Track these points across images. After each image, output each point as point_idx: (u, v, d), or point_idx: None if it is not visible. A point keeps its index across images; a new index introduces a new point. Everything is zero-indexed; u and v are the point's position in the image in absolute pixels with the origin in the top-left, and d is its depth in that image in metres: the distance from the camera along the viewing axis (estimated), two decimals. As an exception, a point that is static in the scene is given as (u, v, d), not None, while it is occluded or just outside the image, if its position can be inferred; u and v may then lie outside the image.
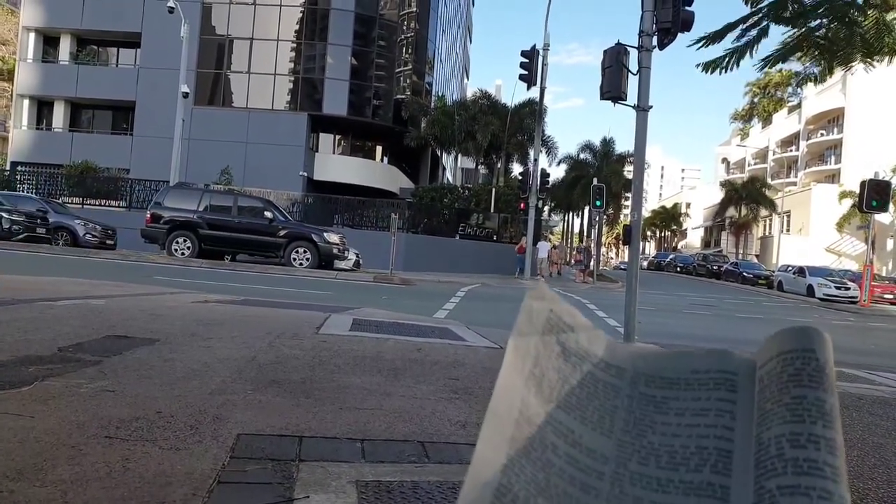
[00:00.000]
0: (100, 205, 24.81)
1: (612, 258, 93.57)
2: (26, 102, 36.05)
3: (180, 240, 17.50)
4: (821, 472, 0.33)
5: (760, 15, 5.17)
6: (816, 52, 5.40)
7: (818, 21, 5.08)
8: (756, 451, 0.36)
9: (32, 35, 35.97)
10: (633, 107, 7.75)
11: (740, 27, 5.33)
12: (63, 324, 4.62)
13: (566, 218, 61.31)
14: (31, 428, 2.33)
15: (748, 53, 5.42)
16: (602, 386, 0.43)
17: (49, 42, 36.68)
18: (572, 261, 31.62)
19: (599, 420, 0.42)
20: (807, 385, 0.36)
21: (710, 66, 5.86)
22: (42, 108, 36.73)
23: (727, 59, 5.61)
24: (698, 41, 5.74)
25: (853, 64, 5.51)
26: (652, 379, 0.43)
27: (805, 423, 0.35)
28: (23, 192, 23.40)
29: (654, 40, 7.54)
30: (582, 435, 0.41)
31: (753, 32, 5.29)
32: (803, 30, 5.17)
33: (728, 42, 5.56)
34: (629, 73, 7.91)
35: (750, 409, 0.39)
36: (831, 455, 0.34)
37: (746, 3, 5.30)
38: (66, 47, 36.24)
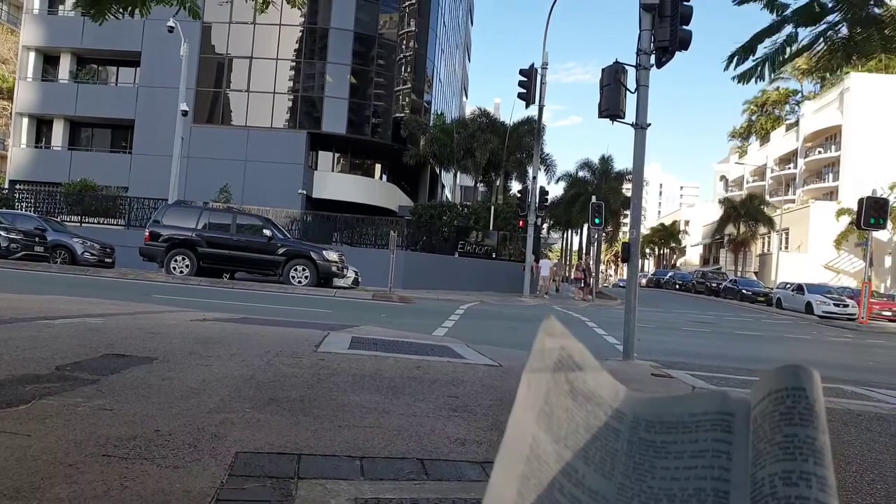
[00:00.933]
0: (98, 223, 24.81)
1: (611, 275, 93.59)
2: (25, 121, 36.21)
3: (179, 258, 17.49)
4: None
5: (787, 22, 5.29)
6: (833, 49, 5.49)
7: (838, 16, 5.19)
8: (751, 490, 0.37)
9: (32, 54, 36.23)
10: (632, 125, 7.80)
11: (773, 37, 5.46)
12: (61, 342, 4.61)
13: (565, 235, 61.43)
14: (29, 447, 2.32)
15: (778, 59, 5.55)
16: (604, 428, 0.44)
17: (49, 61, 36.93)
18: (572, 278, 31.58)
19: (601, 462, 0.43)
20: (798, 423, 0.37)
21: (744, 77, 5.99)
22: (41, 127, 36.89)
23: (759, 68, 5.75)
24: (730, 59, 5.91)
25: (873, 55, 5.60)
26: (651, 424, 0.44)
27: (797, 460, 0.35)
28: (21, 210, 23.41)
29: (652, 59, 7.62)
30: (585, 475, 0.42)
31: (782, 39, 5.41)
32: (823, 27, 5.28)
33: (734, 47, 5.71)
34: (627, 92, 7.97)
35: (746, 449, 0.39)
36: (822, 492, 0.34)
37: (771, 12, 5.42)
38: (65, 66, 36.49)
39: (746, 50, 5.77)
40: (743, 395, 0.43)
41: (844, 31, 5.34)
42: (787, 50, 5.55)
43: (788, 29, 5.39)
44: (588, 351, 0.46)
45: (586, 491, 0.41)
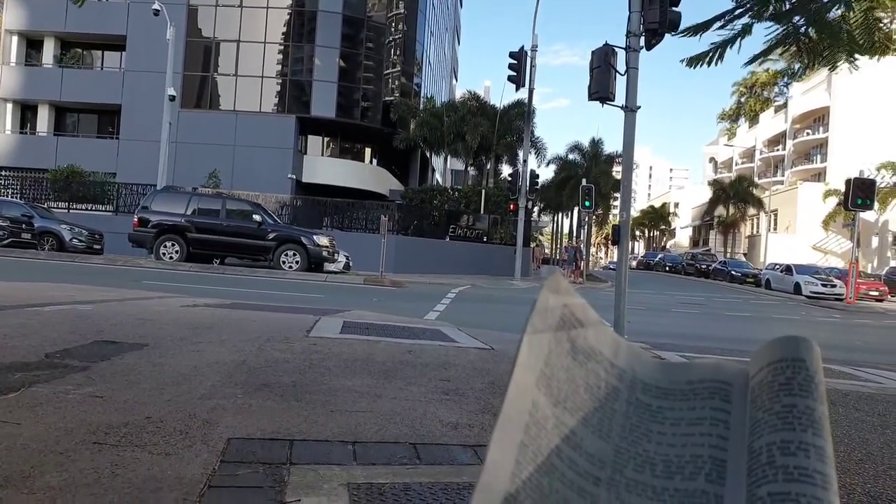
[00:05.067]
0: (86, 209, 24.59)
1: (601, 258, 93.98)
2: (10, 106, 35.71)
3: (168, 244, 17.40)
4: (811, 480, 0.33)
5: (744, 9, 5.20)
6: (800, 52, 5.42)
7: (801, 19, 5.11)
8: (748, 459, 0.37)
9: (15, 38, 35.64)
10: (622, 107, 7.78)
11: (724, 19, 5.36)
12: (50, 329, 4.58)
13: (556, 218, 61.44)
14: (19, 435, 2.31)
15: (732, 47, 5.46)
16: (604, 386, 0.43)
17: (32, 45, 36.35)
18: (559, 259, 31.57)
19: (599, 423, 0.42)
20: (797, 394, 0.37)
21: (694, 61, 5.90)
22: (26, 112, 36.41)
23: (711, 54, 5.65)
24: (683, 31, 5.79)
25: (839, 63, 5.52)
26: (648, 387, 0.43)
27: (795, 430, 0.35)
28: (7, 197, 23.15)
29: (642, 41, 7.58)
30: (583, 438, 0.41)
31: (738, 27, 5.31)
32: (788, 27, 5.19)
33: (714, 35, 5.60)
34: (617, 74, 7.94)
35: (743, 418, 0.39)
36: (821, 462, 0.34)
37: None
38: (49, 50, 35.94)
39: (697, 30, 5.70)
40: (740, 365, 0.42)
41: (812, 32, 5.26)
42: (739, 42, 5.45)
43: (745, 20, 5.29)
44: (590, 307, 0.45)
45: (583, 454, 0.40)
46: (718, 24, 5.38)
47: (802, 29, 5.20)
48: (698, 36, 5.72)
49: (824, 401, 0.37)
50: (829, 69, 5.90)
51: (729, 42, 5.41)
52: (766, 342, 0.41)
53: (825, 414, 0.36)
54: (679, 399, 0.42)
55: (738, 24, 5.30)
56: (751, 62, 5.90)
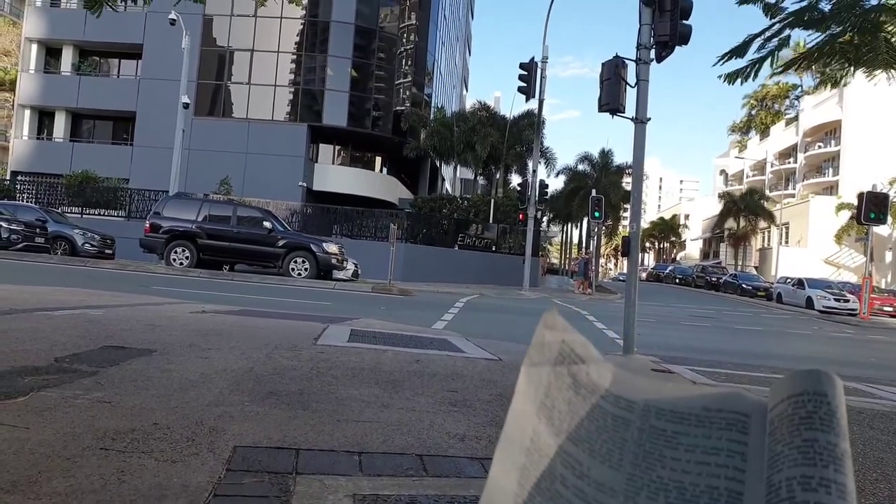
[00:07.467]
0: (99, 214, 24.82)
1: (610, 269, 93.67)
2: (27, 112, 36.16)
3: (179, 249, 17.49)
4: None
5: (782, 25, 5.23)
6: (840, 59, 5.42)
7: (840, 28, 5.12)
8: (766, 493, 0.36)
9: (35, 46, 36.15)
10: (632, 119, 7.77)
11: (761, 38, 5.40)
12: (60, 334, 4.60)
13: (565, 229, 61.37)
14: (27, 439, 2.31)
15: (769, 62, 5.51)
16: (611, 419, 0.43)
17: (51, 53, 36.86)
18: (571, 270, 31.47)
19: (608, 453, 0.42)
20: (818, 428, 0.36)
21: (732, 77, 5.95)
22: (43, 119, 36.84)
23: (749, 70, 5.70)
24: (722, 57, 5.86)
25: (877, 72, 5.53)
26: (662, 412, 0.43)
27: (817, 466, 0.35)
28: (22, 201, 23.39)
29: (652, 53, 7.58)
30: (590, 468, 0.41)
31: (774, 42, 5.36)
32: (825, 36, 5.20)
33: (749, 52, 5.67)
34: (627, 86, 7.93)
35: (761, 452, 0.39)
36: (842, 500, 0.33)
37: (767, 15, 5.37)
38: (67, 58, 36.41)
39: (738, 51, 5.73)
40: (759, 397, 0.42)
41: (847, 37, 5.26)
42: (776, 55, 5.50)
43: (785, 32, 5.35)
44: (591, 344, 0.45)
45: (592, 483, 0.40)
46: (758, 41, 5.44)
47: (842, 38, 5.20)
48: (739, 58, 5.78)
49: (846, 437, 0.36)
50: (868, 78, 5.89)
51: (767, 57, 5.46)
52: (786, 374, 0.40)
53: (847, 451, 0.36)
54: (694, 424, 0.41)
55: (774, 39, 5.36)
56: (786, 70, 5.95)
